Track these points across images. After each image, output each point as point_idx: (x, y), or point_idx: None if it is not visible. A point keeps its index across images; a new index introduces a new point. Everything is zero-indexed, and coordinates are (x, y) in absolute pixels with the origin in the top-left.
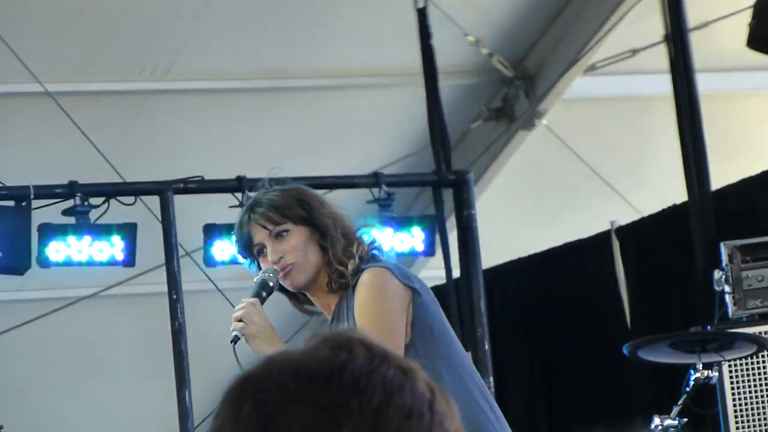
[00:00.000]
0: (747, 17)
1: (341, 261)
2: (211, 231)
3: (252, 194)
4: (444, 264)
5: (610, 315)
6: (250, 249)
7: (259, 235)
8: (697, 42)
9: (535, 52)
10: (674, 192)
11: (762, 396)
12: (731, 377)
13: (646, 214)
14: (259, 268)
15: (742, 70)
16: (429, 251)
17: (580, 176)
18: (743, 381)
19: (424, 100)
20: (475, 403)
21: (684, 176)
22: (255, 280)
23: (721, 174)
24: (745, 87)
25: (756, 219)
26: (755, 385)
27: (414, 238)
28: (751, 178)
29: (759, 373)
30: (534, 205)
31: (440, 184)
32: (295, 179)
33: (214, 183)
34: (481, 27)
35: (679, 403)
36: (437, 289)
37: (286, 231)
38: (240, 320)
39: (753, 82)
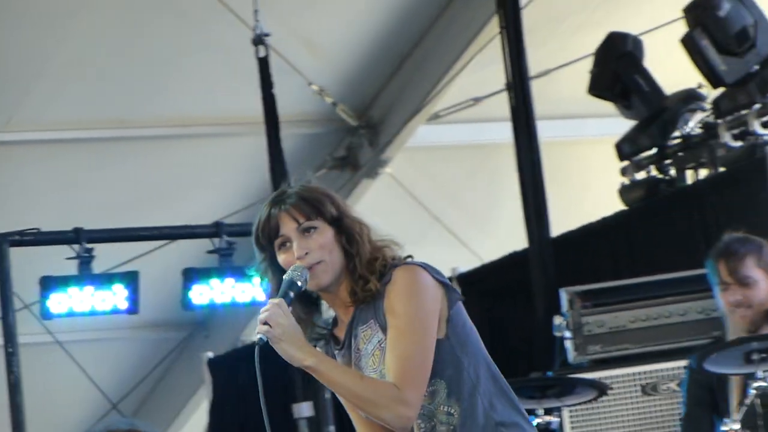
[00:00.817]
0: (588, 65)
1: (366, 268)
2: (48, 283)
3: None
4: None
5: None
6: (270, 241)
7: (287, 227)
8: (538, 90)
9: (379, 101)
10: (516, 239)
11: None
12: (572, 423)
13: (488, 261)
14: (275, 279)
15: (583, 117)
16: None
17: (425, 224)
18: (584, 426)
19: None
20: (501, 396)
21: (525, 223)
22: (284, 277)
23: (562, 221)
24: (586, 134)
25: (596, 265)
26: (596, 430)
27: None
28: (590, 224)
29: (600, 418)
30: None
31: None
32: (134, 230)
33: (51, 235)
34: (325, 76)
35: None
36: None
37: (315, 228)
38: (265, 323)
39: (595, 129)
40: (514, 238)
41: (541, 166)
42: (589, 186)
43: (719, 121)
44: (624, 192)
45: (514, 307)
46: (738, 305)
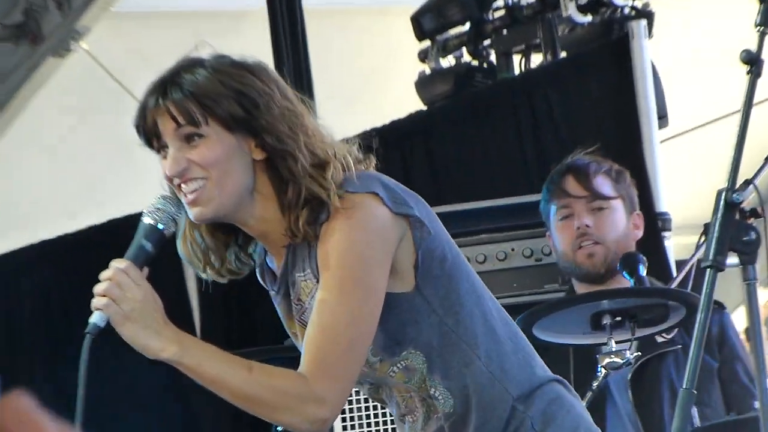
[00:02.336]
0: None
1: (296, 197)
2: None
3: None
4: None
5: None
6: (151, 143)
7: (165, 129)
8: None
9: None
10: None
11: None
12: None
13: None
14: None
15: None
16: None
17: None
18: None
19: None
20: (514, 354)
21: None
22: (142, 218)
23: None
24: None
25: None
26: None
27: None
28: (373, 131)
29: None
30: (110, 163)
31: None
32: None
33: None
34: None
35: None
36: None
37: (199, 135)
38: (103, 296)
39: None
40: None
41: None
42: (371, 76)
43: None
44: (423, 85)
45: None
46: (584, 235)
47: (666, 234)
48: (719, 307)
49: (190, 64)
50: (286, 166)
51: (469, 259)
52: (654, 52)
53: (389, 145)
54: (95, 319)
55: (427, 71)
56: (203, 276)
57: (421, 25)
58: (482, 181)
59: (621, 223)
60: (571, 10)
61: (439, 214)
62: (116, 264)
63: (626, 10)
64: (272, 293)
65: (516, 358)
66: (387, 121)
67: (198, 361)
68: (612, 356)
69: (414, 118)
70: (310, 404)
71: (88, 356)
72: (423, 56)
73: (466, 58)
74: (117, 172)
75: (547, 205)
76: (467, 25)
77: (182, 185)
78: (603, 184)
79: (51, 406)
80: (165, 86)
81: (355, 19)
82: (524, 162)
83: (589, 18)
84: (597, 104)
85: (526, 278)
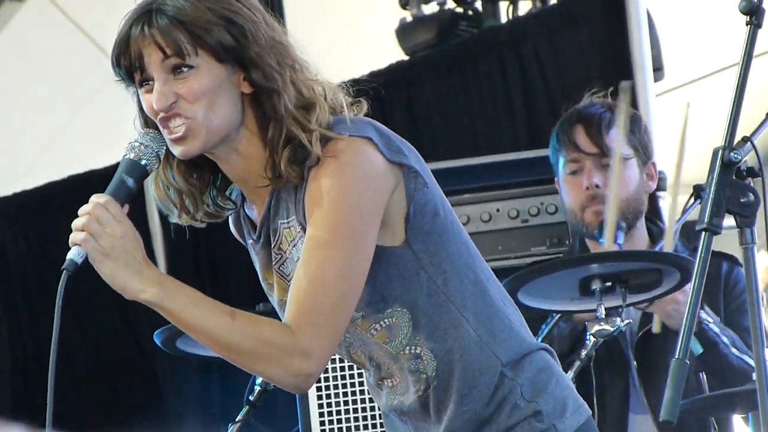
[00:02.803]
0: None
1: (280, 136)
2: None
3: None
4: None
5: None
6: (131, 75)
7: (151, 60)
8: None
9: None
10: None
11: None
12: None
13: None
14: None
15: None
16: None
17: (98, 67)
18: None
19: None
20: (503, 318)
21: None
22: (124, 153)
23: None
24: None
25: None
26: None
27: None
28: (352, 81)
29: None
30: (30, 113)
31: None
32: None
33: None
34: None
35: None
36: None
37: (189, 67)
38: (81, 231)
39: None
40: None
41: None
42: (349, 24)
43: None
44: (404, 33)
45: None
46: (594, 197)
47: (661, 194)
48: (732, 261)
49: None
50: (271, 103)
51: None
52: None
53: (368, 96)
54: (72, 255)
55: (409, 18)
56: (178, 221)
57: None
58: (466, 137)
59: (634, 179)
60: None
61: None
62: (96, 199)
63: None
64: (250, 242)
65: (506, 323)
66: (365, 71)
67: (180, 305)
68: (602, 324)
69: (394, 69)
70: (296, 357)
71: (63, 293)
72: (404, 2)
73: (450, 4)
74: (77, 124)
75: (556, 154)
76: None
77: (168, 120)
78: (619, 139)
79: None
80: (150, 14)
81: None
82: (511, 116)
83: None
84: (588, 55)
85: (511, 240)
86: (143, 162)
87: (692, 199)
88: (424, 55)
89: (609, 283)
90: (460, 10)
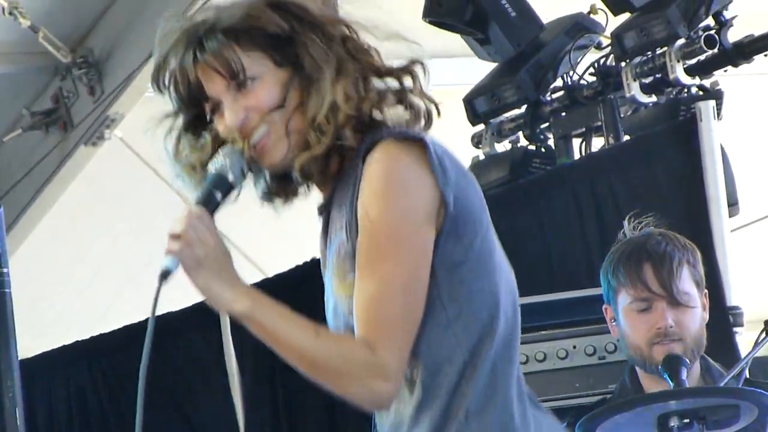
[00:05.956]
0: None
1: (345, 119)
2: None
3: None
4: None
5: None
6: (191, 105)
7: (214, 87)
8: None
9: (102, 28)
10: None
11: None
12: None
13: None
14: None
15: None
16: None
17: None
18: None
19: None
20: (509, 408)
21: None
22: (209, 169)
23: None
24: None
25: None
26: None
27: None
28: None
29: None
30: (106, 255)
31: None
32: None
33: None
34: None
35: None
36: None
37: (253, 78)
38: (178, 239)
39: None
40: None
41: None
42: None
43: (622, 64)
44: (477, 171)
45: None
46: (666, 335)
47: (737, 330)
48: None
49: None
50: (340, 87)
51: (527, 358)
52: (723, 133)
53: None
54: (167, 263)
55: (482, 156)
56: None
57: (474, 108)
58: (541, 274)
59: (698, 315)
60: (634, 91)
61: None
62: (191, 210)
63: (693, 90)
64: (321, 238)
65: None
66: None
67: (269, 318)
68: None
69: None
70: (379, 379)
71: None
72: (477, 141)
73: (523, 142)
74: (154, 264)
75: (615, 292)
76: (523, 108)
77: (248, 137)
78: (686, 281)
79: None
80: (199, 37)
81: None
82: (586, 252)
83: (653, 99)
84: (663, 190)
85: (589, 378)
86: (230, 177)
87: (763, 334)
88: (497, 192)
89: (687, 420)
90: (532, 147)
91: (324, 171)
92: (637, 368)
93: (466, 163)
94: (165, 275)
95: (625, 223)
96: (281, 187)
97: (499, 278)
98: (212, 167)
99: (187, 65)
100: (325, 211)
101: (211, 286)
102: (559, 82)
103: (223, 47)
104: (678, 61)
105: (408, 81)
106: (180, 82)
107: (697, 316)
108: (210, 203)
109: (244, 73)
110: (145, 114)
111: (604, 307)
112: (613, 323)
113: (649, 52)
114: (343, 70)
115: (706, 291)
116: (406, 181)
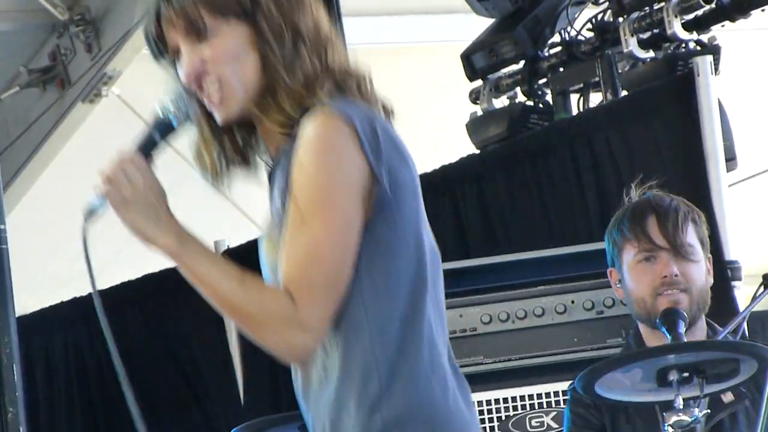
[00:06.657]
0: None
1: (289, 91)
2: None
3: None
4: None
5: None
6: (162, 53)
7: (172, 35)
8: None
9: None
10: None
11: None
12: None
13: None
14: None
15: (403, 14)
16: None
17: (177, 173)
18: None
19: None
20: (428, 383)
21: None
22: (155, 111)
23: None
24: (407, 39)
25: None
26: None
27: None
28: (421, 177)
29: None
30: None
31: None
32: None
33: None
34: None
35: None
36: None
37: (208, 30)
38: (108, 180)
39: (422, 31)
40: None
41: None
42: (419, 118)
43: (620, 19)
44: (475, 127)
45: None
46: (672, 284)
47: (736, 284)
48: None
49: None
50: (279, 48)
51: (526, 313)
52: (721, 88)
53: (439, 191)
54: (93, 202)
55: (479, 112)
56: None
57: (472, 64)
58: (539, 229)
59: (702, 273)
60: (631, 46)
61: (494, 265)
62: (124, 155)
63: (691, 45)
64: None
65: (420, 356)
66: (437, 165)
67: (195, 259)
68: (680, 414)
69: (466, 163)
70: (297, 330)
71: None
72: (474, 96)
73: (521, 98)
74: None
75: (620, 250)
76: (521, 64)
77: (202, 84)
78: (691, 235)
79: None
80: None
81: (403, 58)
82: (584, 208)
83: (651, 54)
84: (661, 146)
85: (587, 332)
86: (171, 119)
87: (762, 288)
88: (495, 148)
89: (686, 374)
90: (530, 103)
91: (270, 136)
92: (641, 326)
93: (465, 118)
94: (90, 213)
95: (632, 188)
96: (234, 147)
97: (415, 255)
98: (157, 109)
99: (154, 17)
100: (270, 178)
101: (137, 224)
102: (556, 38)
103: (186, 1)
104: (675, 17)
105: (352, 83)
106: (147, 35)
107: (702, 270)
108: (147, 146)
109: (204, 25)
110: (142, 71)
111: (609, 270)
112: (618, 285)
113: (647, 8)
114: (300, 42)
115: (710, 256)
116: (335, 147)
